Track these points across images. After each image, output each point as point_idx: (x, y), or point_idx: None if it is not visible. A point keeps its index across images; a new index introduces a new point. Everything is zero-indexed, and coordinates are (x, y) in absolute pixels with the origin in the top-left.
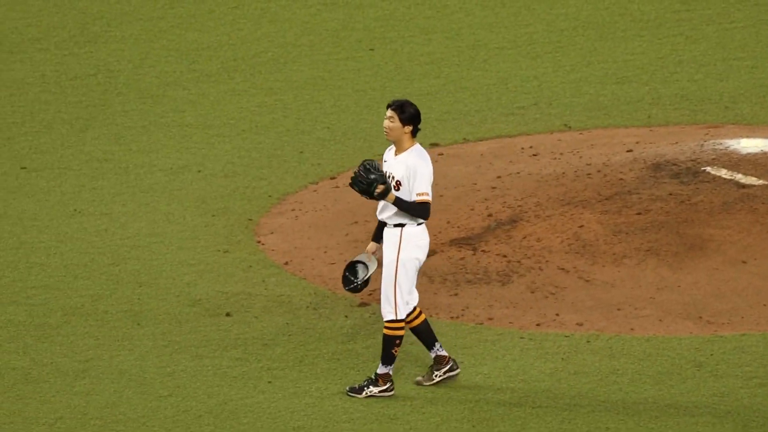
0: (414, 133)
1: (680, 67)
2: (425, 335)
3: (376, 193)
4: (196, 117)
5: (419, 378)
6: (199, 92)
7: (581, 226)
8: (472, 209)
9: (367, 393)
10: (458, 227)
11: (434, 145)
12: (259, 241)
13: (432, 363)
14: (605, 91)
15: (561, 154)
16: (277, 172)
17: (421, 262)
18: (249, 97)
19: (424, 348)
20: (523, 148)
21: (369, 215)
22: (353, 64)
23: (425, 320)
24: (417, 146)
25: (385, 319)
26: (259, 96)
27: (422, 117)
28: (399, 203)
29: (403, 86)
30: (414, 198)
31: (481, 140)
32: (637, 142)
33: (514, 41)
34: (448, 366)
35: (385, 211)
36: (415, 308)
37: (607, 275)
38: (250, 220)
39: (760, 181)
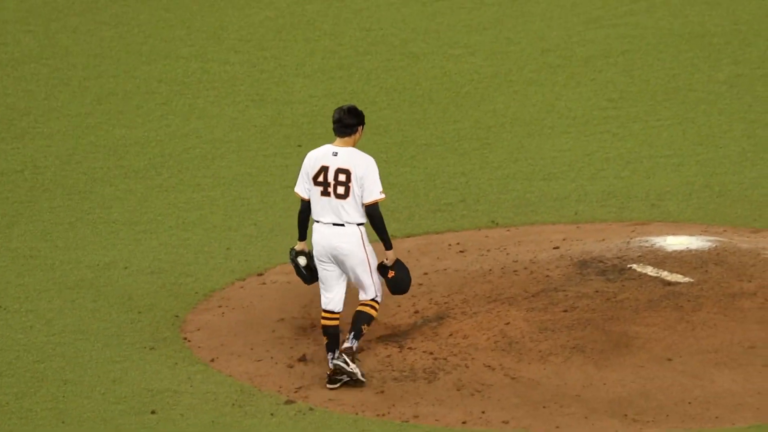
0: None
1: (607, 164)
2: (333, 339)
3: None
4: (123, 213)
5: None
6: (127, 188)
7: (507, 324)
8: (399, 306)
9: (351, 368)
10: (384, 324)
11: None
12: (185, 338)
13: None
14: (532, 187)
15: (488, 250)
16: (203, 268)
17: None
18: (176, 194)
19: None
20: (450, 245)
21: (296, 312)
22: (281, 160)
23: (337, 327)
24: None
25: (369, 298)
26: (186, 192)
27: None
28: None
29: None
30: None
31: (408, 236)
32: (563, 239)
33: (442, 138)
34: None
35: (344, 213)
36: (339, 313)
37: (533, 372)
38: (177, 316)
39: (686, 279)
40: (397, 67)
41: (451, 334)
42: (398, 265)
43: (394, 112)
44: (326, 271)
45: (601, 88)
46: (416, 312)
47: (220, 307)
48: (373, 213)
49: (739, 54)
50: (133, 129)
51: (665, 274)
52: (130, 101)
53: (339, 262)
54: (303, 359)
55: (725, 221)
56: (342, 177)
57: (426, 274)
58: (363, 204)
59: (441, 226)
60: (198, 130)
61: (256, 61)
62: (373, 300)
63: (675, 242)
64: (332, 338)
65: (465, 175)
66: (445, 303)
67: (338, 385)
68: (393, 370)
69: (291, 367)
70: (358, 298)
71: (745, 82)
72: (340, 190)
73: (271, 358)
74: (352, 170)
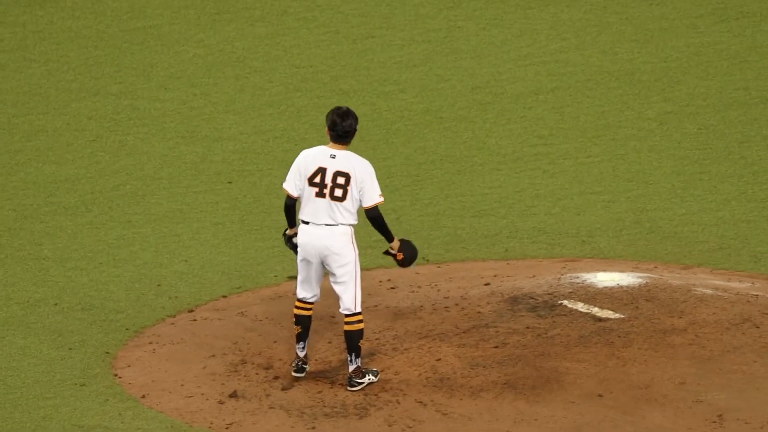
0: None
1: (538, 201)
2: (305, 330)
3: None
4: (53, 250)
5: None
6: (57, 225)
7: (439, 360)
8: (330, 342)
9: (367, 381)
10: (316, 360)
11: (292, 277)
12: (116, 374)
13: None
14: (463, 224)
15: (419, 287)
16: (134, 305)
17: None
18: (107, 230)
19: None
20: (381, 281)
21: (227, 348)
22: (212, 196)
23: (310, 318)
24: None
25: (346, 314)
26: (117, 229)
27: (281, 250)
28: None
29: (261, 219)
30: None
31: None
32: (494, 276)
33: None
34: (294, 365)
35: (338, 215)
36: (312, 303)
37: (465, 408)
38: (107, 353)
39: (617, 315)
40: (327, 104)
41: (382, 370)
42: (403, 245)
43: None
44: (309, 271)
45: (531, 125)
46: (344, 349)
47: (150, 343)
48: (374, 215)
49: (668, 91)
50: (63, 166)
51: (596, 311)
52: (60, 138)
53: (326, 263)
54: (234, 395)
55: (656, 257)
56: (341, 180)
57: None
58: (364, 207)
59: (372, 263)
60: (128, 166)
61: (186, 98)
62: (354, 314)
63: (606, 278)
64: (304, 328)
65: (396, 211)
66: (377, 339)
67: (302, 374)
68: (324, 406)
69: (222, 403)
70: (339, 308)
71: (675, 119)
72: (338, 192)
73: (202, 394)
74: (352, 174)
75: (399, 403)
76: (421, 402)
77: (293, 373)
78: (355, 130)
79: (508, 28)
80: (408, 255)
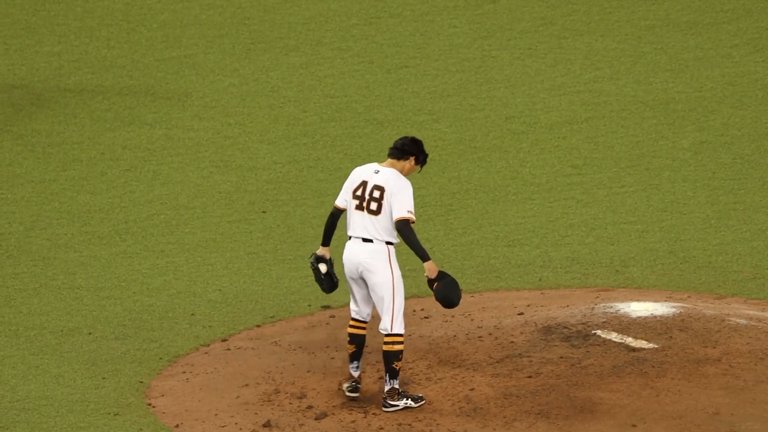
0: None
1: (571, 231)
2: (359, 348)
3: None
4: (87, 279)
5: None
6: (91, 254)
7: (472, 389)
8: (364, 372)
9: (402, 404)
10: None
11: (326, 306)
12: (149, 404)
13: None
14: (496, 253)
15: (452, 316)
16: (168, 334)
17: None
18: (140, 260)
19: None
20: (414, 311)
21: (260, 378)
22: (245, 226)
23: (363, 337)
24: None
25: (384, 334)
26: (150, 258)
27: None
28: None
29: (295, 248)
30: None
31: None
32: (528, 305)
33: None
34: (349, 384)
35: (373, 229)
36: (365, 323)
37: None
38: (141, 382)
39: (650, 345)
40: (361, 134)
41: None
42: (442, 276)
43: None
44: (356, 288)
45: (565, 154)
46: (381, 377)
47: (184, 372)
48: (401, 228)
49: (702, 121)
50: (97, 195)
51: (630, 340)
52: (94, 167)
53: (365, 279)
54: (267, 425)
55: (689, 287)
56: (377, 193)
57: None
58: (393, 220)
59: (406, 292)
60: (162, 196)
61: (221, 127)
62: (392, 335)
63: (639, 308)
64: (358, 347)
65: (429, 241)
66: (410, 369)
67: (357, 394)
68: None
69: None
70: (378, 328)
71: (709, 149)
72: (373, 206)
73: (236, 423)
74: (386, 188)
75: None
76: None
77: (348, 394)
78: (409, 150)
79: (542, 57)
80: (445, 290)
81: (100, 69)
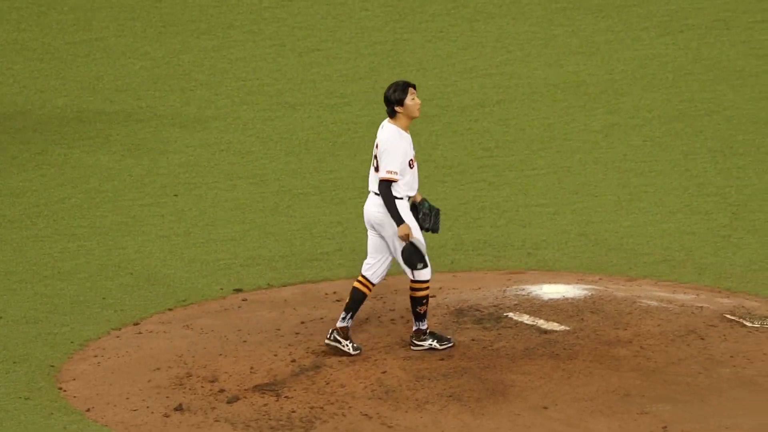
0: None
1: (483, 213)
2: (355, 304)
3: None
4: None
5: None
6: (1, 238)
7: (384, 372)
8: (276, 355)
9: (428, 345)
10: (261, 373)
11: (238, 290)
12: (60, 388)
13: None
14: None
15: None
16: (79, 318)
17: None
18: (52, 243)
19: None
20: (326, 294)
21: (172, 361)
22: (157, 209)
23: (364, 294)
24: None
25: (410, 280)
26: (61, 242)
27: (227, 263)
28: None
29: (207, 231)
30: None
31: (284, 285)
32: (440, 288)
33: (318, 187)
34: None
35: (377, 185)
36: (373, 284)
37: (410, 421)
38: (52, 366)
39: (562, 327)
40: (273, 117)
41: (328, 383)
42: (408, 245)
43: (270, 162)
44: (370, 236)
45: (477, 137)
46: (293, 361)
47: (95, 356)
48: (380, 188)
49: (613, 103)
50: (7, 178)
51: (541, 323)
52: (5, 152)
53: (378, 232)
54: (179, 408)
55: (601, 269)
56: (376, 150)
57: (303, 323)
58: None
59: (317, 275)
60: (73, 179)
61: (132, 111)
62: (414, 282)
63: (551, 291)
64: (354, 303)
65: (341, 224)
66: (322, 352)
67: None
68: (270, 419)
69: (167, 416)
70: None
71: (620, 132)
72: (375, 162)
73: (147, 407)
74: (379, 145)
75: (344, 415)
76: (366, 415)
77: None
78: (390, 98)
79: (453, 40)
80: (404, 258)
81: (11, 52)
